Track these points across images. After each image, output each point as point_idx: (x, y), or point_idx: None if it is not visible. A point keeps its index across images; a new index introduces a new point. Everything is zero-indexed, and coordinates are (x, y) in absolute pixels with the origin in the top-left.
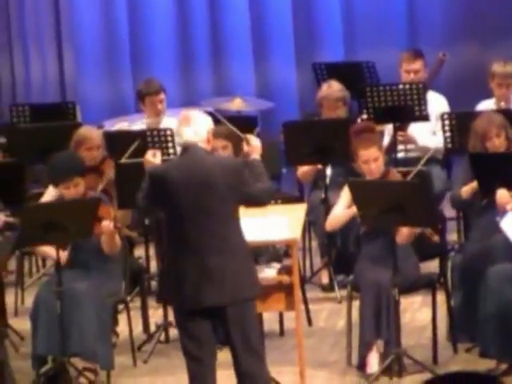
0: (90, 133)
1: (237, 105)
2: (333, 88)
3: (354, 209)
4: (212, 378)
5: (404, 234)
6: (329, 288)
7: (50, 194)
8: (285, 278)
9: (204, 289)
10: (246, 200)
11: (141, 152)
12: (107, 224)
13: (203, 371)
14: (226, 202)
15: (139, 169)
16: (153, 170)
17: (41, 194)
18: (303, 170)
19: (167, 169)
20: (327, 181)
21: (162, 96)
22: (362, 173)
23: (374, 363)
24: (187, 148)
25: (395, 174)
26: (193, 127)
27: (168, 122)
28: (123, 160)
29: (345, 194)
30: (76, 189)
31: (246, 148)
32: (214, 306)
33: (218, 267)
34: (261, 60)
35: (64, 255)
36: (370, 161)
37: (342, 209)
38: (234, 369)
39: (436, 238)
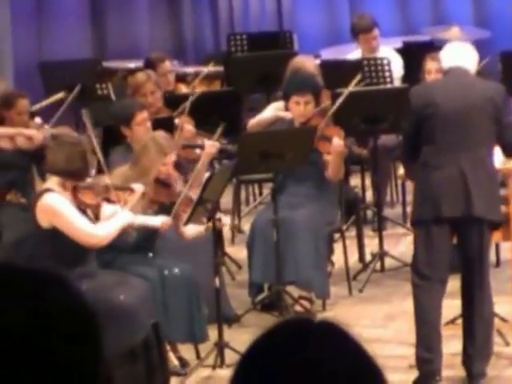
0: (304, 62)
1: (454, 33)
2: None
3: None
4: (437, 301)
5: None
6: None
7: (271, 108)
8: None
9: (466, 200)
10: (501, 132)
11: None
12: (338, 142)
13: (430, 292)
14: (489, 124)
15: (354, 98)
16: (416, 92)
17: None
18: None
19: (433, 91)
20: None
21: (376, 32)
22: None
23: None
24: (454, 71)
25: None
26: (467, 55)
27: (385, 51)
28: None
29: None
30: (306, 108)
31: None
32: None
33: (478, 184)
34: None
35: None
36: None
37: None
38: (461, 294)
39: None
